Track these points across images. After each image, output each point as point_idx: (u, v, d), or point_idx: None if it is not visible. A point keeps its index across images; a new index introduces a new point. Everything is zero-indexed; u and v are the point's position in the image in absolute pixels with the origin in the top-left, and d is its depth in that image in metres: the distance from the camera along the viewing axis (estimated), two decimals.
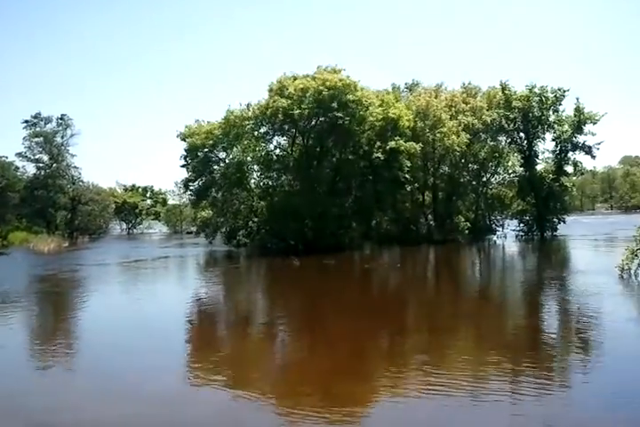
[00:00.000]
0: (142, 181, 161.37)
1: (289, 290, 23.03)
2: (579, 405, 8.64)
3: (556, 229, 48.27)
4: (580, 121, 46.67)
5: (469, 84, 52.67)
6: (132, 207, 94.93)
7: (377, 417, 8.60)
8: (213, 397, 9.47)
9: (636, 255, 21.46)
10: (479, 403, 8.72)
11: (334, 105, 39.84)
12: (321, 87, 39.98)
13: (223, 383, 10.24)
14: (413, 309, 18.81)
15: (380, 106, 42.92)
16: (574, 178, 55.70)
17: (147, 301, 20.90)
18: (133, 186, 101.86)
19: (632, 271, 21.29)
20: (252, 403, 9.15)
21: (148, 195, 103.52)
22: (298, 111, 39.75)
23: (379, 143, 42.11)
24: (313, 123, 42.44)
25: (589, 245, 41.46)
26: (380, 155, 41.16)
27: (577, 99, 47.46)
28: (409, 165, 42.56)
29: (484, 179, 51.44)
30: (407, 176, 42.80)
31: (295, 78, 42.88)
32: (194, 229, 62.91)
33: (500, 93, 48.20)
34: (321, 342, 13.50)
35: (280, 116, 40.55)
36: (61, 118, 71.62)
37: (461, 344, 13.13)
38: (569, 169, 49.53)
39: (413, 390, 9.37)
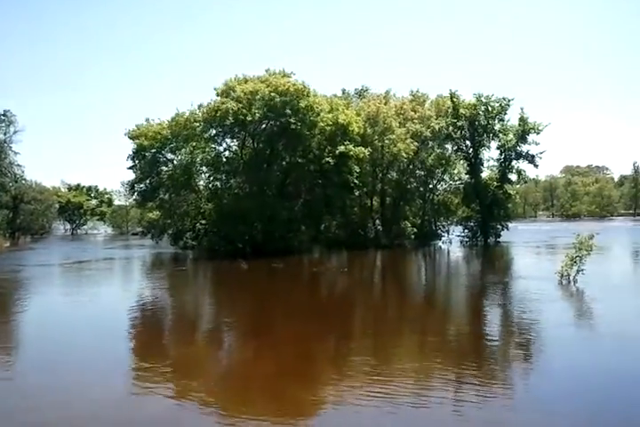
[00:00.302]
0: (87, 180, 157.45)
1: (236, 293, 22.94)
2: (520, 409, 8.85)
3: (499, 236, 49.45)
4: (524, 130, 47.97)
5: (417, 91, 53.62)
6: (77, 207, 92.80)
7: (321, 423, 8.67)
8: (155, 403, 9.37)
9: (575, 262, 22.25)
10: (422, 407, 8.87)
11: (287, 111, 39.98)
12: (273, 93, 39.99)
13: (166, 389, 10.13)
14: (359, 313, 19.01)
15: (331, 111, 43.24)
16: (517, 186, 57.22)
17: (89, 304, 20.46)
18: (78, 185, 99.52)
19: (571, 277, 22.06)
20: (195, 408, 9.12)
21: (92, 195, 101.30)
22: (248, 116, 39.74)
23: (329, 148, 42.38)
24: (263, 126, 42.43)
25: (531, 251, 42.66)
26: (329, 159, 41.46)
27: (521, 109, 48.89)
28: (358, 170, 42.98)
29: (431, 185, 52.31)
30: (356, 181, 43.22)
31: (246, 80, 42.83)
32: (140, 230, 61.95)
33: (448, 102, 49.13)
34: (267, 346, 13.50)
35: (230, 118, 40.40)
36: (4, 115, 69.20)
37: (405, 348, 13.34)
38: (513, 177, 50.81)
39: (358, 394, 9.46)
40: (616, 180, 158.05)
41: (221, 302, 21.92)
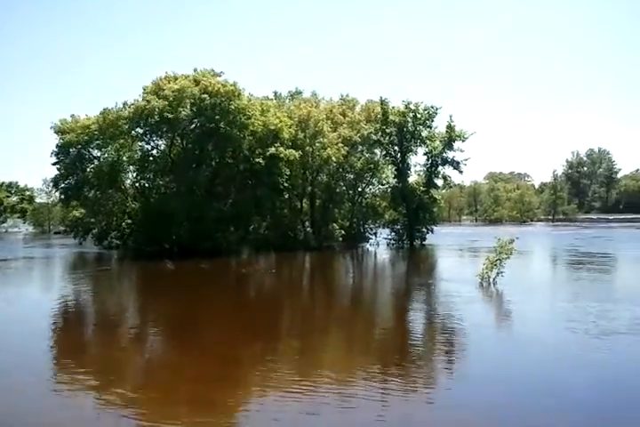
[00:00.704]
0: (6, 176, 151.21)
1: (161, 295, 22.61)
2: (442, 405, 9.16)
3: (424, 239, 50.64)
4: (451, 138, 49.34)
5: (347, 96, 54.31)
6: None
7: (243, 425, 8.70)
8: (75, 406, 9.21)
9: (495, 265, 23.12)
10: (345, 408, 9.00)
11: (216, 112, 39.73)
12: (204, 95, 39.61)
13: (86, 393, 9.93)
14: (286, 315, 19.10)
15: (262, 114, 43.26)
16: (443, 191, 58.72)
17: (5, 305, 19.75)
18: None
19: (491, 280, 22.91)
20: (115, 411, 8.99)
21: (12, 191, 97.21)
22: (174, 115, 39.28)
23: (259, 150, 42.37)
24: (193, 126, 42.00)
25: (454, 254, 43.93)
26: (260, 160, 41.44)
27: (450, 116, 50.31)
28: (288, 172, 43.17)
29: (360, 189, 53.13)
30: (286, 184, 43.42)
31: (176, 78, 42.26)
32: (63, 229, 60.03)
33: (378, 107, 50.03)
34: (191, 348, 13.38)
35: (156, 117, 39.78)
36: None
37: (330, 350, 13.51)
38: (438, 182, 52.17)
39: (281, 396, 9.54)
40: (536, 187, 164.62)
41: (145, 303, 21.56)
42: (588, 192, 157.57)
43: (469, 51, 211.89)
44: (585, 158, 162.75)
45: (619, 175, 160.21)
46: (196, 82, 41.05)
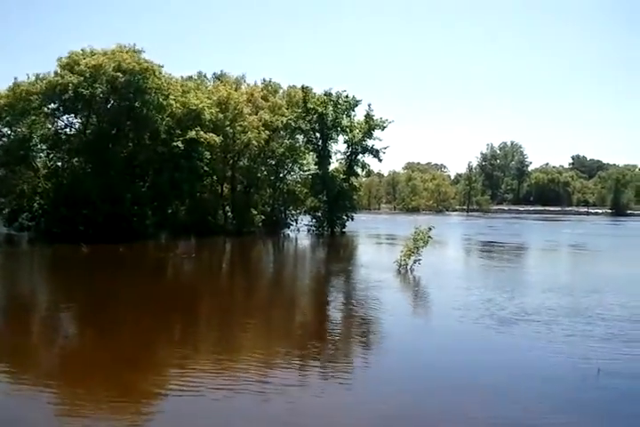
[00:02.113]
0: None
1: (75, 279, 21.81)
2: (359, 393, 9.26)
3: (344, 226, 51.24)
4: (370, 127, 50.07)
5: (270, 81, 53.92)
6: None
7: (161, 410, 8.55)
8: None
9: (413, 252, 23.68)
10: (262, 393, 8.97)
11: (131, 90, 38.50)
12: (117, 73, 38.18)
13: None
14: (206, 300, 18.86)
15: (182, 95, 42.31)
16: (364, 179, 59.48)
17: None
18: None
19: (408, 267, 23.46)
20: (30, 397, 8.68)
21: None
22: (89, 91, 37.71)
23: (179, 131, 41.46)
24: (109, 105, 40.54)
25: (373, 241, 44.76)
26: (179, 144, 40.55)
27: (369, 105, 50.86)
28: (209, 156, 42.50)
29: (281, 175, 53.03)
30: (206, 168, 42.76)
31: (93, 53, 40.52)
32: None
33: (300, 94, 50.06)
34: (107, 334, 12.97)
35: (70, 93, 38.05)
36: None
37: (250, 336, 13.47)
38: (358, 170, 52.87)
39: (200, 382, 9.43)
40: (452, 178, 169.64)
41: (58, 288, 20.77)
42: (501, 184, 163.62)
43: (392, 42, 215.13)
44: (498, 151, 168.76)
45: (529, 168, 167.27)
46: (112, 58, 39.47)
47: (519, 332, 13.11)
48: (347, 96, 50.25)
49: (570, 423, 8.02)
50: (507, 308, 15.80)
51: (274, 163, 51.59)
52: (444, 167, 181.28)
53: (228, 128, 45.90)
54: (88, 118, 41.36)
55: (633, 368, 10.14)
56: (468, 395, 8.99)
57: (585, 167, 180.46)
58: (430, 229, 24.45)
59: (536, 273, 25.87)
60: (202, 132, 41.20)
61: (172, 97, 41.19)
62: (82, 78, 37.89)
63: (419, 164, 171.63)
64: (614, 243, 47.17)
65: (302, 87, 50.04)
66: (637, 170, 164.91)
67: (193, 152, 41.01)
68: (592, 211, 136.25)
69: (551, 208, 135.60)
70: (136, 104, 39.00)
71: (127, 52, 40.51)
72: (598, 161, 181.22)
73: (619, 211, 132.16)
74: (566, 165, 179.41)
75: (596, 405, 8.65)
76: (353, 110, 50.80)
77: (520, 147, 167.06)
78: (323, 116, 49.34)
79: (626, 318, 14.49)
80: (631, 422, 8.09)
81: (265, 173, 51.62)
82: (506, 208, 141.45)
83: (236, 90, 48.39)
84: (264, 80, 54.46)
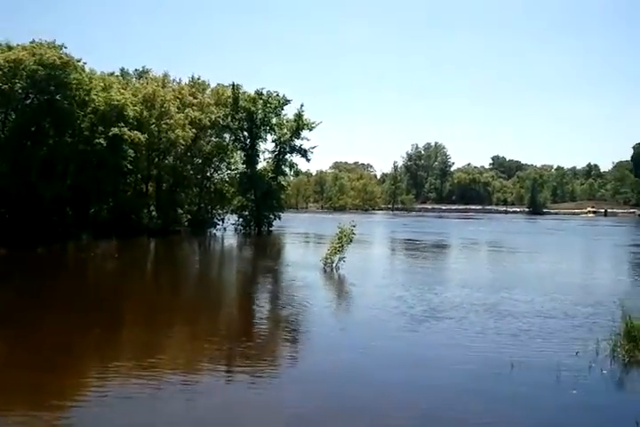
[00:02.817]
0: None
1: None
2: (284, 389, 9.40)
3: (271, 225, 51.28)
4: (299, 126, 50.27)
5: (198, 78, 53.34)
6: None
7: (80, 415, 8.33)
8: None
9: (338, 251, 24.01)
10: (189, 393, 8.95)
11: (51, 84, 37.25)
12: (37, 66, 36.81)
13: None
14: (129, 301, 18.42)
15: (105, 90, 41.29)
16: (292, 178, 59.65)
17: None
18: None
19: (334, 265, 23.78)
20: None
21: None
22: (7, 86, 36.31)
23: (102, 128, 40.44)
24: (28, 101, 39.11)
25: (300, 240, 44.99)
26: (102, 141, 39.55)
27: (301, 105, 50.96)
28: (133, 154, 41.65)
29: (208, 173, 52.53)
30: (130, 166, 41.89)
31: (10, 48, 39.02)
32: None
33: (228, 91, 49.76)
34: (24, 338, 12.51)
35: None
36: None
37: (173, 336, 13.38)
38: (287, 170, 52.96)
39: (122, 383, 9.33)
40: (378, 177, 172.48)
41: None
42: (425, 183, 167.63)
43: (319, 41, 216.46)
44: (423, 152, 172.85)
45: (452, 168, 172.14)
46: (32, 53, 38.12)
47: (436, 328, 13.52)
48: (277, 95, 50.30)
49: (487, 411, 8.42)
50: (426, 305, 16.28)
51: (201, 161, 51.04)
52: (371, 167, 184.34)
53: (153, 126, 45.12)
54: (6, 115, 39.77)
55: (542, 362, 10.68)
56: (386, 392, 9.26)
57: (504, 167, 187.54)
58: (354, 226, 24.75)
59: (454, 270, 26.82)
60: (125, 129, 40.34)
61: (94, 92, 40.15)
62: (0, 73, 36.43)
63: (346, 163, 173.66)
64: (528, 240, 49.24)
65: (232, 85, 49.76)
66: (553, 170, 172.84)
67: (116, 150, 40.08)
68: (510, 209, 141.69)
69: (472, 207, 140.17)
70: (57, 98, 37.71)
71: (48, 48, 39.20)
72: (517, 161, 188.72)
73: (535, 209, 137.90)
74: (487, 166, 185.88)
75: (511, 396, 9.08)
76: (282, 109, 50.96)
77: (443, 147, 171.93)
78: (252, 115, 49.23)
79: (534, 315, 15.17)
80: (543, 412, 8.54)
81: (191, 171, 50.97)
82: (429, 207, 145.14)
83: (162, 87, 47.60)
84: (192, 78, 53.79)
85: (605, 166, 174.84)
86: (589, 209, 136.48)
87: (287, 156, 51.66)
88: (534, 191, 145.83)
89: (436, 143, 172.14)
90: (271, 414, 8.29)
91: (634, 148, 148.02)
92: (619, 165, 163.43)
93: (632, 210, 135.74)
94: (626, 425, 7.80)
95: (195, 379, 9.73)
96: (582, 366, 10.43)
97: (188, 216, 49.32)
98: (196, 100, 48.78)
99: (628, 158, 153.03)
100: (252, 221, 50.36)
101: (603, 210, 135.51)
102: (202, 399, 8.74)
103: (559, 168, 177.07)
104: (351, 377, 9.93)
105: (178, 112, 46.45)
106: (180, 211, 48.89)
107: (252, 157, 50.59)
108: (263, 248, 39.76)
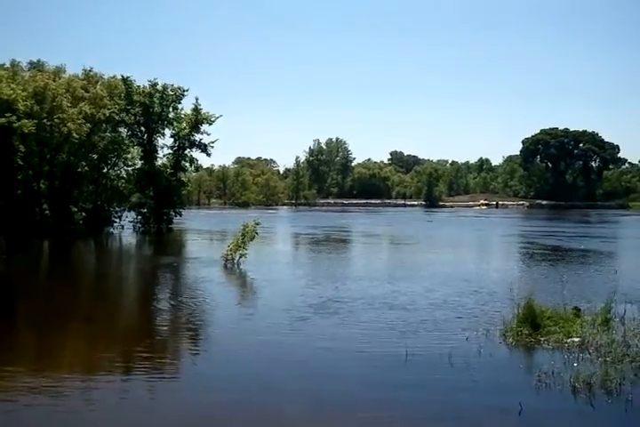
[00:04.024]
0: None
1: None
2: (187, 391, 9.22)
3: (171, 222, 50.29)
4: (198, 120, 49.47)
5: (91, 70, 51.24)
6: None
7: None
8: None
9: (239, 247, 23.94)
10: (91, 400, 8.70)
11: None
12: None
13: None
14: (19, 303, 17.57)
15: None
16: (194, 174, 58.64)
17: None
18: None
19: (235, 261, 23.71)
20: None
21: None
22: None
23: None
24: None
25: (202, 237, 44.46)
26: None
27: (196, 99, 50.18)
28: (23, 149, 39.62)
29: (105, 170, 50.72)
30: (20, 162, 39.84)
31: None
32: None
33: (122, 85, 48.22)
34: None
35: None
36: None
37: (71, 338, 12.92)
38: (187, 165, 52.00)
39: (19, 393, 8.91)
40: (281, 172, 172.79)
41: None
42: (327, 178, 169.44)
43: (220, 35, 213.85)
44: (325, 147, 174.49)
45: (353, 164, 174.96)
46: None
47: (329, 321, 13.70)
48: (173, 87, 49.26)
49: (388, 401, 8.70)
50: (322, 298, 16.49)
51: (96, 157, 49.23)
52: (274, 162, 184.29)
53: (45, 120, 43.04)
54: None
55: (436, 349, 11.15)
56: (287, 389, 9.34)
57: (402, 162, 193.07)
58: (258, 224, 24.80)
59: (353, 264, 27.54)
60: (14, 118, 38.27)
61: None
62: None
63: (249, 159, 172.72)
64: (423, 232, 51.06)
65: (123, 78, 48.29)
66: (448, 165, 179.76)
67: (4, 145, 37.99)
68: (409, 203, 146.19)
69: (373, 201, 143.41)
70: None
71: None
72: (414, 156, 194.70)
73: (432, 203, 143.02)
74: (386, 161, 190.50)
75: (405, 383, 9.44)
76: (180, 102, 49.91)
77: (345, 143, 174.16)
78: (148, 109, 47.99)
79: (426, 304, 15.73)
80: (437, 395, 8.96)
81: (86, 167, 49.01)
82: (332, 201, 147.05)
83: (54, 80, 45.39)
84: (84, 70, 51.51)
85: (496, 160, 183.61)
86: (482, 202, 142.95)
87: (187, 151, 50.79)
88: (430, 185, 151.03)
89: (337, 139, 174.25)
90: (164, 416, 8.21)
91: (523, 142, 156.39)
92: (509, 159, 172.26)
93: (521, 202, 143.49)
94: (510, 403, 8.29)
95: (89, 384, 9.45)
96: (473, 350, 11.00)
97: (84, 214, 47.43)
98: (88, 94, 46.84)
99: (517, 153, 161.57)
100: (151, 219, 49.14)
101: (494, 202, 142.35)
102: (96, 404, 8.54)
103: (454, 163, 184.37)
104: (250, 376, 9.88)
105: (71, 106, 44.51)
106: (74, 209, 46.93)
107: (149, 152, 49.37)
108: (163, 246, 39.00)
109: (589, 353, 10.55)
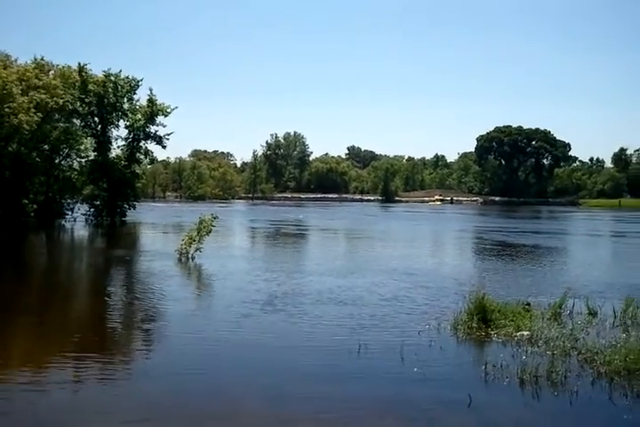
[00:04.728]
0: None
1: None
2: (139, 388, 9.06)
3: (125, 215, 49.52)
4: (153, 112, 48.78)
5: (42, 59, 49.88)
6: None
7: None
8: None
9: (194, 240, 23.72)
10: (35, 393, 8.55)
11: None
12: None
13: None
14: None
15: None
16: (149, 166, 57.82)
17: None
18: None
19: (189, 255, 23.49)
20: None
21: None
22: None
23: None
24: None
25: (156, 230, 43.86)
26: None
27: (150, 90, 49.48)
28: None
29: (57, 161, 49.52)
30: None
31: None
32: None
33: (76, 75, 47.13)
34: None
35: None
36: None
37: (21, 335, 12.57)
38: (141, 157, 51.23)
39: None
40: (239, 166, 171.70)
41: None
42: (285, 173, 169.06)
43: (175, 26, 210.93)
44: (282, 141, 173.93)
45: (311, 158, 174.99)
46: None
47: (283, 317, 13.63)
48: (127, 77, 48.41)
49: (339, 394, 8.73)
50: (275, 293, 16.46)
51: (48, 148, 48.01)
52: (231, 156, 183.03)
53: None
54: None
55: (388, 343, 11.26)
56: (244, 386, 9.26)
57: (359, 157, 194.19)
58: (215, 217, 24.59)
59: (306, 258, 27.68)
60: None
61: None
62: None
63: (205, 151, 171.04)
64: (378, 227, 51.49)
65: (79, 66, 47.19)
66: (404, 161, 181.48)
67: None
68: (365, 198, 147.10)
69: (330, 195, 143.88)
70: None
71: None
72: (371, 152, 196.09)
73: (388, 198, 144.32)
74: (343, 156, 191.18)
75: (357, 376, 9.51)
76: (135, 93, 49.19)
77: (302, 137, 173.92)
78: (102, 99, 47.08)
79: (379, 299, 15.81)
80: (387, 388, 9.06)
81: (38, 159, 47.74)
82: (289, 196, 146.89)
83: (5, 68, 44.01)
84: (35, 58, 50.08)
85: (452, 157, 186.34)
86: (437, 197, 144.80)
87: (142, 143, 50.06)
88: (387, 180, 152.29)
89: (295, 133, 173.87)
90: (114, 412, 8.11)
91: (477, 140, 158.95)
92: (463, 156, 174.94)
93: (475, 198, 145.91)
94: (460, 396, 8.45)
95: (40, 378, 9.28)
96: (424, 344, 11.16)
97: (35, 206, 46.23)
98: (41, 83, 45.58)
99: (472, 150, 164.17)
100: (105, 212, 48.35)
101: (449, 198, 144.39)
102: (45, 399, 8.40)
103: (410, 158, 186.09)
104: (202, 372, 9.80)
105: (22, 95, 43.22)
106: (25, 201, 45.70)
107: (103, 143, 48.53)
108: (116, 239, 38.35)
109: (538, 346, 10.79)
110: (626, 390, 8.77)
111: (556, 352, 10.36)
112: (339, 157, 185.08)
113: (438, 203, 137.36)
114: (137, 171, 50.76)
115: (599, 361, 9.77)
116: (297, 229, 47.10)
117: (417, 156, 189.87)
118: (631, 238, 44.01)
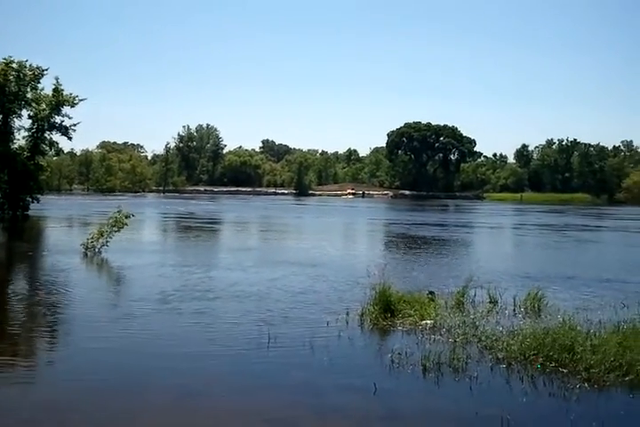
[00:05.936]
0: None
1: None
2: (45, 386, 8.86)
3: (28, 209, 47.43)
4: (59, 102, 46.86)
5: None
6: None
7: None
8: None
9: (102, 235, 23.08)
10: None
11: None
12: None
13: None
14: None
15: None
16: (54, 158, 55.47)
17: None
18: None
19: (96, 250, 22.85)
20: None
21: None
22: None
23: None
24: None
25: (61, 224, 42.31)
26: None
27: (56, 79, 47.43)
28: None
29: None
30: None
31: None
32: None
33: None
34: None
35: None
36: None
37: None
38: (46, 148, 49.18)
39: None
40: (150, 158, 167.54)
41: None
42: (197, 166, 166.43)
43: (89, 15, 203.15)
44: (195, 133, 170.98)
45: (224, 151, 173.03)
46: None
47: (190, 311, 13.49)
48: (31, 65, 46.28)
49: (249, 388, 8.86)
50: (182, 288, 16.35)
51: None
52: (142, 148, 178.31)
53: None
54: None
55: (297, 335, 11.44)
56: (151, 385, 9.16)
57: (273, 151, 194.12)
58: (128, 215, 23.94)
59: (214, 251, 27.82)
60: None
61: None
62: None
63: (115, 143, 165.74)
64: (291, 220, 51.86)
65: None
66: (318, 155, 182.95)
67: None
68: (279, 191, 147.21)
69: (243, 189, 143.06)
70: None
71: None
72: (285, 145, 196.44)
73: (302, 191, 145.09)
74: (257, 149, 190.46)
75: (266, 370, 9.63)
76: (39, 82, 46.98)
77: (215, 130, 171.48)
78: (3, 88, 44.75)
79: (289, 291, 16.00)
80: (299, 379, 9.26)
81: None
82: (202, 189, 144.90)
83: None
84: None
85: (364, 152, 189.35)
86: (349, 191, 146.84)
87: (46, 133, 47.97)
88: (301, 174, 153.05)
89: (207, 125, 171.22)
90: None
91: (388, 135, 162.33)
92: (375, 151, 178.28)
93: (386, 192, 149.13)
94: (366, 383, 8.78)
95: None
96: (333, 335, 11.45)
97: None
98: None
99: (384, 145, 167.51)
100: (6, 205, 46.02)
101: (361, 192, 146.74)
102: None
103: (323, 153, 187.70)
104: (117, 373, 9.59)
105: None
106: None
107: (4, 134, 46.02)
108: (18, 234, 36.73)
109: (441, 335, 11.30)
110: (522, 375, 9.32)
111: (457, 340, 10.87)
112: (253, 150, 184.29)
113: (350, 196, 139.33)
114: (41, 163, 48.64)
115: (498, 347, 10.31)
116: (208, 223, 46.64)
117: (330, 150, 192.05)
118: (531, 230, 46.43)
